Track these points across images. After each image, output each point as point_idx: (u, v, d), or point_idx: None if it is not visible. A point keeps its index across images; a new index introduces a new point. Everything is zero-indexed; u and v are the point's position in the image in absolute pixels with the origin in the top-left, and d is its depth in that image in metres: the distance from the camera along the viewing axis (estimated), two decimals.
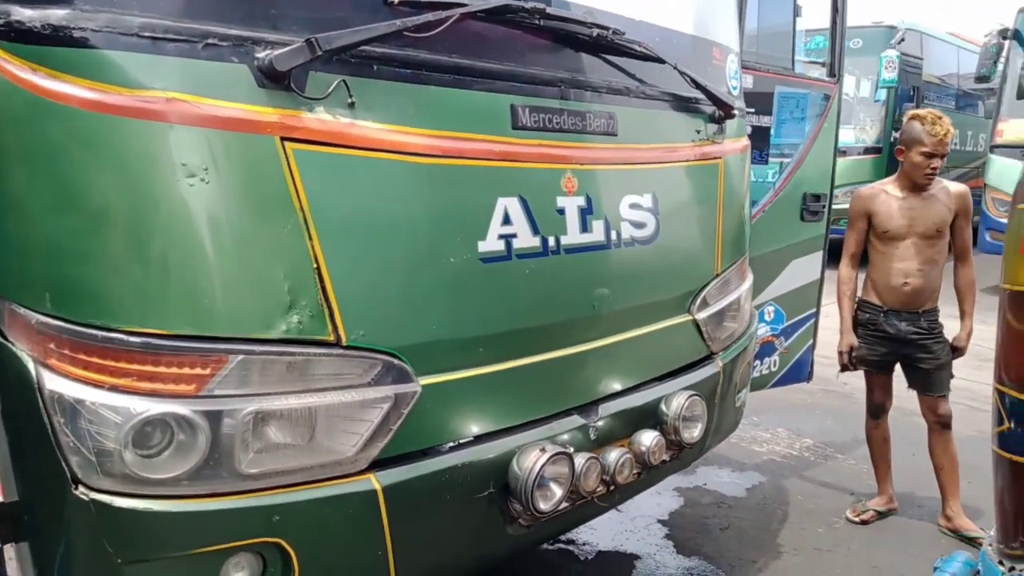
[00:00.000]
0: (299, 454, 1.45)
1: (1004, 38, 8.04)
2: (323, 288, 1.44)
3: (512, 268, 1.74)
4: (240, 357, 1.37)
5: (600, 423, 1.97)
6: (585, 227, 1.91)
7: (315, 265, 1.43)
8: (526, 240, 1.76)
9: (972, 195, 3.11)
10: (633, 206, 2.05)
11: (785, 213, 3.50)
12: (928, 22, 10.56)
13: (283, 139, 1.39)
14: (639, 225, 2.07)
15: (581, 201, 1.90)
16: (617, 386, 2.07)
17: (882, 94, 9.36)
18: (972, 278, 3.06)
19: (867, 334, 3.12)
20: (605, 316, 2.00)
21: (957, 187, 3.04)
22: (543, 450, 1.71)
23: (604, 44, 1.90)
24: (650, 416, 2.12)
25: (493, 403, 1.76)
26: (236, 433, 1.37)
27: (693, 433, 2.15)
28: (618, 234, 2.00)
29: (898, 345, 3.05)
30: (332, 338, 1.46)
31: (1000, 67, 8.15)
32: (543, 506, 1.71)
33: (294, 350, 1.42)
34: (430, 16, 1.52)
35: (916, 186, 2.93)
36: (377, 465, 1.54)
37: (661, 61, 2.06)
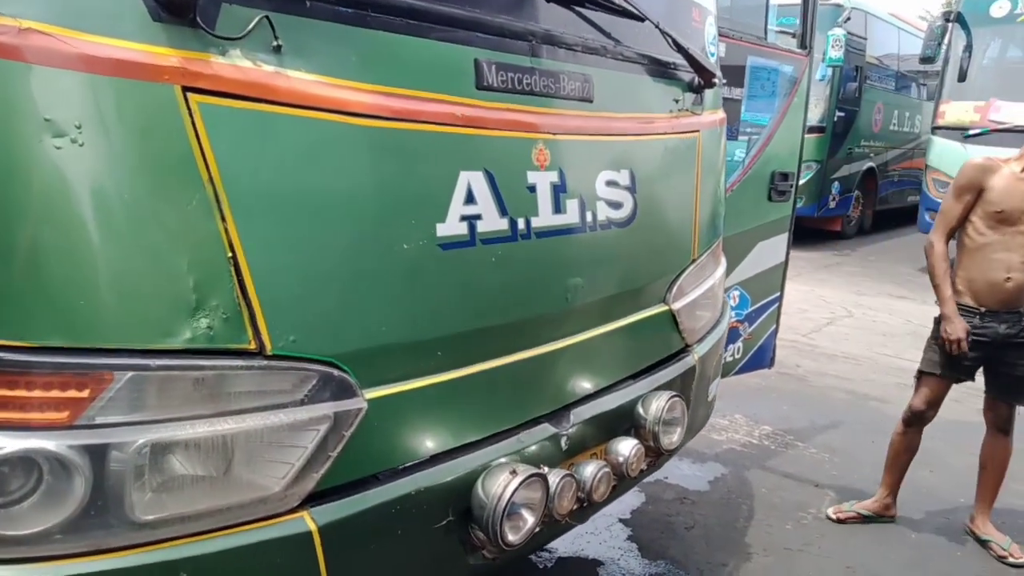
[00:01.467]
0: (212, 493, 1.15)
1: (948, 20, 8.08)
2: (240, 283, 1.13)
3: (476, 255, 1.47)
4: (130, 374, 1.06)
5: (572, 431, 1.73)
6: (559, 207, 1.65)
7: (229, 253, 1.12)
8: (493, 222, 1.49)
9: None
10: (609, 183, 1.81)
11: (753, 193, 3.32)
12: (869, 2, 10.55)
13: (185, 89, 1.07)
14: (616, 205, 1.83)
15: (554, 177, 1.63)
16: (589, 388, 1.84)
17: (827, 73, 9.35)
18: None
19: None
20: (578, 309, 1.76)
21: None
22: (513, 472, 1.45)
23: None
24: (625, 419, 1.90)
25: (453, 416, 1.49)
26: (127, 471, 1.06)
27: (673, 438, 1.94)
28: (594, 215, 1.75)
29: (992, 349, 2.70)
30: (253, 346, 1.16)
31: (943, 49, 8.20)
32: (513, 538, 1.46)
33: (203, 363, 1.11)
34: None
35: None
36: (312, 500, 1.26)
37: (642, 18, 1.81)
